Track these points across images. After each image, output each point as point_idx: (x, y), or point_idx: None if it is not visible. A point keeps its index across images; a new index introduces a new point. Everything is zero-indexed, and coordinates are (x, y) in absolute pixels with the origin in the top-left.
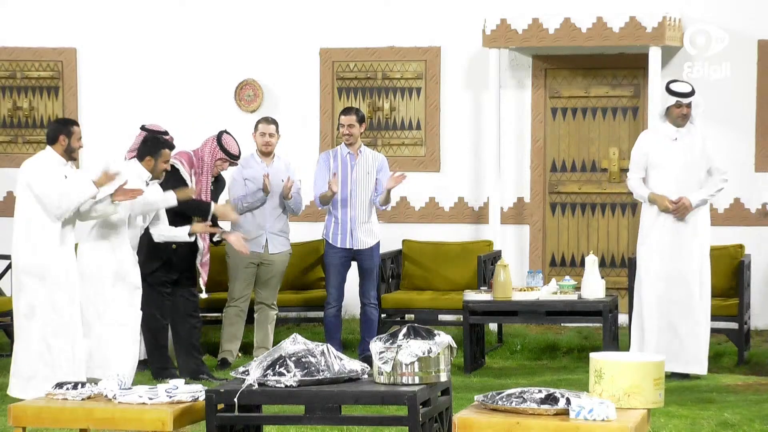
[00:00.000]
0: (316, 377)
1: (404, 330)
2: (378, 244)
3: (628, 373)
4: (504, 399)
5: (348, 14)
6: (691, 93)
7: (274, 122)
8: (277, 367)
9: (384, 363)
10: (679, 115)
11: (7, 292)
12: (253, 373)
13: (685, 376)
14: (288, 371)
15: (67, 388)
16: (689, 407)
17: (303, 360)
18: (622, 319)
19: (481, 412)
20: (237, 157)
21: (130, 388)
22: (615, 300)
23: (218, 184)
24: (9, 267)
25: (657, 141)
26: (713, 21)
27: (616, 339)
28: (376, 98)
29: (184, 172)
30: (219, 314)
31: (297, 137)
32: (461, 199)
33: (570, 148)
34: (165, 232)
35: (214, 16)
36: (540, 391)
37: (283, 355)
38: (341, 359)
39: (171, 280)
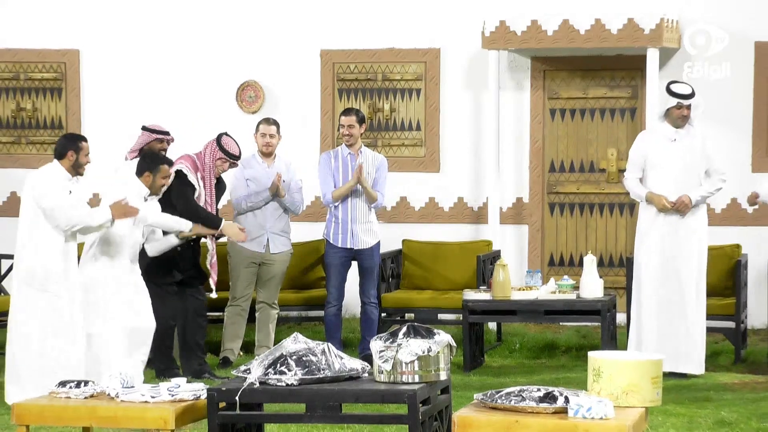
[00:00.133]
0: (317, 376)
1: (404, 329)
2: (378, 243)
3: (626, 372)
4: (503, 397)
5: (348, 16)
6: (692, 94)
7: (275, 123)
8: (278, 365)
9: (384, 362)
10: (679, 116)
11: (9, 292)
12: (255, 371)
13: (682, 376)
14: (289, 370)
15: (70, 387)
16: (687, 405)
17: (304, 359)
18: (620, 318)
19: (480, 410)
20: (236, 158)
21: (132, 387)
22: (613, 299)
23: (219, 186)
24: (12, 267)
25: (656, 141)
26: (711, 23)
27: (614, 338)
28: (377, 99)
29: (192, 177)
30: (221, 313)
31: (298, 138)
32: (461, 199)
33: (568, 148)
34: (157, 245)
35: (216, 18)
36: (539, 390)
37: (284, 354)
38: (342, 358)
39: (177, 281)
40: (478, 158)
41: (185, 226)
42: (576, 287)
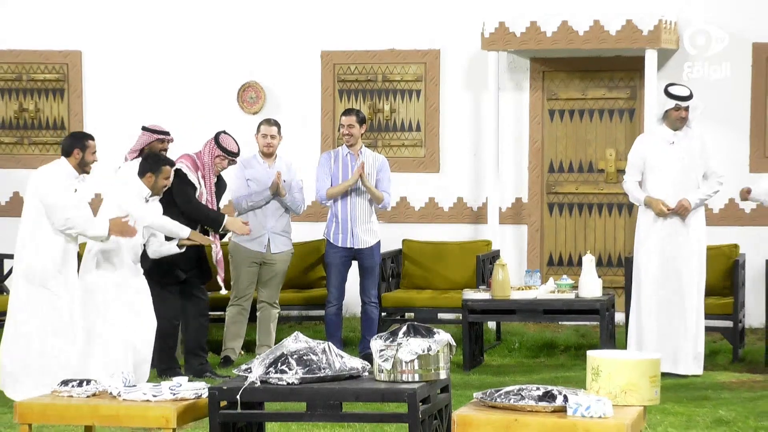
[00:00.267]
0: (318, 375)
1: (404, 328)
2: (378, 243)
3: (624, 371)
4: (502, 396)
5: (349, 17)
6: (690, 96)
7: (276, 124)
8: (279, 364)
9: (384, 361)
10: (677, 118)
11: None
12: (256, 370)
13: (681, 376)
14: (290, 369)
15: (73, 386)
16: (685, 404)
17: (304, 358)
18: (619, 317)
19: (479, 409)
20: (235, 155)
21: (134, 386)
22: (612, 299)
23: (220, 185)
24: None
25: (654, 144)
26: (710, 23)
27: (612, 337)
28: (377, 100)
29: (192, 176)
30: (222, 313)
31: (298, 138)
32: (460, 199)
33: (567, 149)
34: (157, 248)
35: (217, 19)
36: (538, 389)
37: (285, 353)
38: (342, 357)
39: (180, 280)
40: (477, 158)
41: (184, 232)
42: (575, 287)
